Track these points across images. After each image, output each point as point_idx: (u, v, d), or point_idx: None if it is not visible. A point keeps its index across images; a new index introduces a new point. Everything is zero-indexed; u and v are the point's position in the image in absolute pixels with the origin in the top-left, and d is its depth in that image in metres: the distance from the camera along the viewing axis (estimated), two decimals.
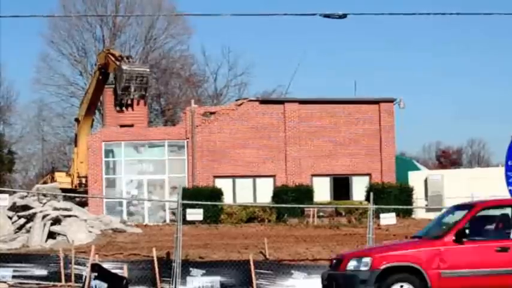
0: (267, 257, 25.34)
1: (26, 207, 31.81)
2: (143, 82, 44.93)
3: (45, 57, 70.43)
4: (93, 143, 43.88)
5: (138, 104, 45.29)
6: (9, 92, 72.90)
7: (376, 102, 45.12)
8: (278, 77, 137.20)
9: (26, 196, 33.29)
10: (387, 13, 24.46)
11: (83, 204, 41.13)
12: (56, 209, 31.72)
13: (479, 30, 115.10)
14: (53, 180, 49.36)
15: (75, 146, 50.28)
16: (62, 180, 48.64)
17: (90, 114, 50.27)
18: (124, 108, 45.34)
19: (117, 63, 45.00)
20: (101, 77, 47.68)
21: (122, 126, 44.89)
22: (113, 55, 46.40)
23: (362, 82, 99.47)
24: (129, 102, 45.20)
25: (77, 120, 51.20)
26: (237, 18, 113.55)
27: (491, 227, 17.77)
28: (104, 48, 51.97)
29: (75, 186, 48.00)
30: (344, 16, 20.06)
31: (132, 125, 45.12)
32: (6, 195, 25.77)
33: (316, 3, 57.83)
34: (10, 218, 31.75)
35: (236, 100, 48.98)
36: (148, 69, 47.32)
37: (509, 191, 25.06)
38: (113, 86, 46.14)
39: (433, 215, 41.64)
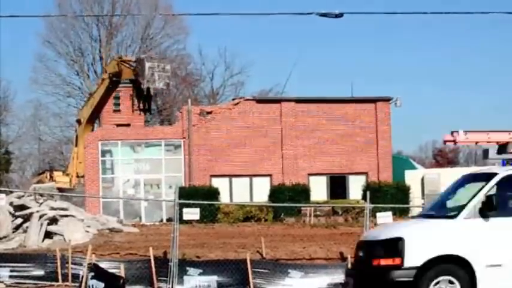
0: (264, 256, 25.31)
1: (22, 207, 31.70)
2: (165, 70, 44.40)
3: (42, 57, 70.46)
4: (89, 142, 43.84)
5: (163, 92, 44.15)
6: (6, 91, 72.97)
7: (372, 101, 45.22)
8: (274, 76, 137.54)
9: (23, 196, 33.22)
10: (383, 12, 24.52)
11: (80, 204, 41.07)
12: (52, 208, 31.63)
13: (477, 28, 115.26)
14: (51, 179, 49.26)
15: (75, 146, 50.14)
16: (60, 179, 48.55)
17: (93, 118, 50.02)
18: (142, 113, 45.10)
19: (132, 68, 44.38)
20: (111, 86, 47.14)
21: (118, 125, 44.84)
22: (127, 62, 45.70)
23: (358, 81, 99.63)
24: (153, 90, 44.24)
25: (78, 121, 51.01)
26: (233, 18, 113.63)
27: None
28: (115, 56, 51.46)
29: (74, 186, 47.91)
30: (340, 15, 20.08)
31: (128, 125, 45.08)
32: (3, 195, 25.74)
33: (313, 2, 57.88)
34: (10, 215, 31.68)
35: (233, 99, 48.98)
36: (168, 65, 46.56)
37: None
38: (127, 86, 45.70)
39: None
